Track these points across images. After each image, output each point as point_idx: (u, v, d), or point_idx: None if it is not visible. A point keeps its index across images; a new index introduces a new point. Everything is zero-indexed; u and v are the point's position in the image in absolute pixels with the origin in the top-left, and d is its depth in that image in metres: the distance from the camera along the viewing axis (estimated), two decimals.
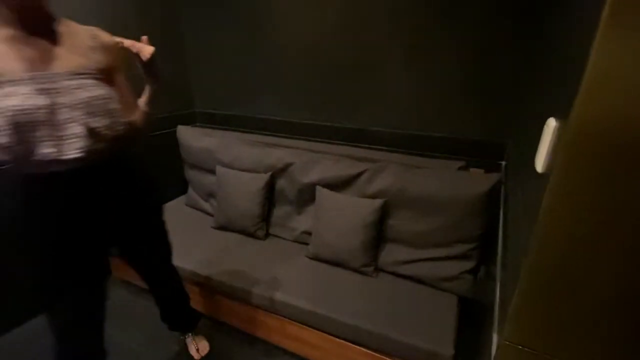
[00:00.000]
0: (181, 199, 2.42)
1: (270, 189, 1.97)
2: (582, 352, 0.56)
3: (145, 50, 1.03)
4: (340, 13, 1.80)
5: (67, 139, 0.89)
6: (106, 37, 1.02)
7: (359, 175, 1.75)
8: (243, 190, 1.95)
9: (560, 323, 0.56)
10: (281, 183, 1.96)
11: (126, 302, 1.96)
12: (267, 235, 2.01)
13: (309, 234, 1.86)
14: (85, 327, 1.12)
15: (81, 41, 0.96)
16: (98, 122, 0.92)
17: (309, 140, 2.09)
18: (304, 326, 1.53)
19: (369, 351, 1.42)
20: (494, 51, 1.55)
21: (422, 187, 1.58)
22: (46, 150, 0.87)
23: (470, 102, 1.67)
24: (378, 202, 1.65)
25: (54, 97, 0.87)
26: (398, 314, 1.43)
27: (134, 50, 1.04)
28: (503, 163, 1.68)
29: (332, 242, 1.70)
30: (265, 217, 2.00)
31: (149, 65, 1.06)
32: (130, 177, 1.12)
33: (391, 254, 1.69)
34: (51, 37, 0.91)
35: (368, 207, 1.65)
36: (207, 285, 1.72)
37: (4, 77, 0.83)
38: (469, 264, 1.55)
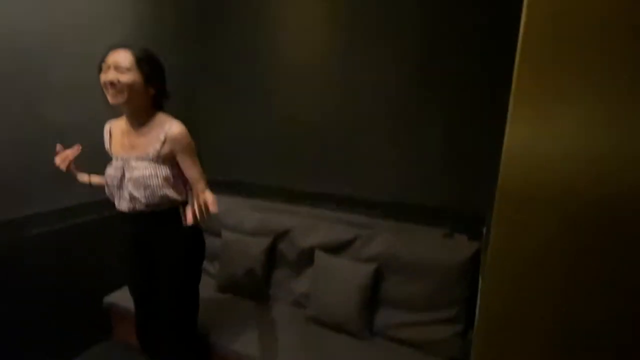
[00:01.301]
0: None
1: (271, 252, 2.10)
2: None
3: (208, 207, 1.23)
4: (333, 95, 2.11)
5: (122, 198, 1.41)
6: (174, 128, 1.35)
7: (353, 240, 1.90)
8: (246, 253, 2.08)
9: None
10: (282, 246, 2.10)
11: None
12: (267, 296, 2.10)
13: (307, 296, 1.96)
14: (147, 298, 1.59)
15: (156, 133, 1.37)
16: (138, 193, 1.36)
17: (308, 206, 2.27)
18: None
19: None
20: (474, 128, 1.79)
21: (411, 254, 1.74)
22: (115, 202, 1.44)
23: (455, 174, 1.89)
24: (371, 267, 1.78)
25: (124, 172, 1.38)
26: None
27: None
28: (484, 230, 1.84)
29: (329, 304, 1.80)
30: (266, 279, 2.11)
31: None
32: (172, 232, 1.46)
33: (385, 317, 1.78)
34: (142, 131, 1.39)
35: (362, 271, 1.78)
36: (203, 346, 1.77)
37: (115, 155, 1.43)
38: (458, 327, 1.64)
